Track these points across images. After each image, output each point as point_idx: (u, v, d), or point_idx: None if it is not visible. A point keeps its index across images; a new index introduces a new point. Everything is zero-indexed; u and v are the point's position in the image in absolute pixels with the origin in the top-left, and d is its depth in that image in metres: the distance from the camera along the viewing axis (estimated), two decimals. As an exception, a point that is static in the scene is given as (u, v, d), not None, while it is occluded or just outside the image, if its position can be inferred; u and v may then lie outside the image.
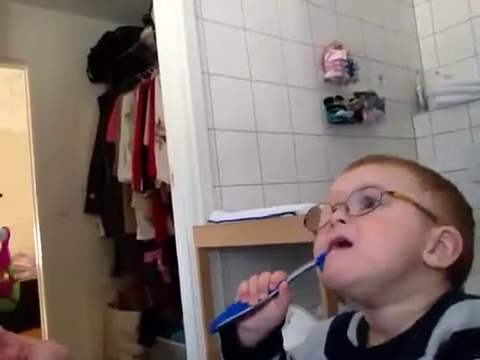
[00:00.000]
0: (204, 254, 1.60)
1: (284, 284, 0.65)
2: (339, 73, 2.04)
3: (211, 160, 1.67)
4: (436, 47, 2.64)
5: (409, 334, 0.56)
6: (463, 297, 0.55)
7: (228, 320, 0.65)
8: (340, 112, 2.05)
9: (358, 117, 2.11)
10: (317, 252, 0.64)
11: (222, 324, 0.66)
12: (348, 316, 0.70)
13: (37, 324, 3.14)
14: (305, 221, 0.69)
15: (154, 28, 2.05)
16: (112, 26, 3.27)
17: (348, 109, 2.08)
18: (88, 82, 3.39)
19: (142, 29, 2.88)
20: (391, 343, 0.58)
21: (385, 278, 0.58)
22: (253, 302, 0.65)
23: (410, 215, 0.60)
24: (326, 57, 2.05)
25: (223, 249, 1.64)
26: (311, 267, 0.64)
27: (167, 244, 2.59)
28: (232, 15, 1.82)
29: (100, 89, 3.40)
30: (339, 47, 2.07)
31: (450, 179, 0.67)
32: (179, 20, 1.69)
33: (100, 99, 3.35)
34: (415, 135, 2.57)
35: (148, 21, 2.71)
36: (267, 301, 0.65)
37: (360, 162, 0.69)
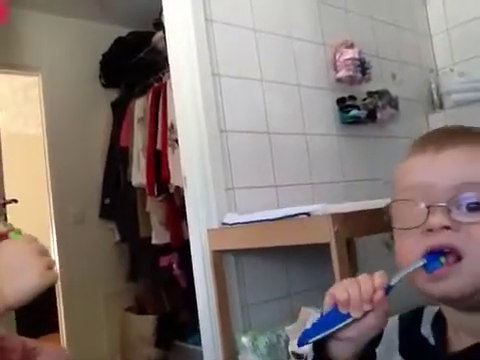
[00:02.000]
0: (218, 257, 1.59)
1: (380, 293, 0.56)
2: (351, 72, 2.02)
3: (224, 162, 1.67)
4: (450, 44, 2.60)
5: None
6: None
7: (329, 332, 0.57)
8: (353, 112, 2.03)
9: (372, 117, 2.09)
10: (405, 256, 0.58)
11: (321, 336, 0.57)
12: (416, 313, 0.66)
13: (55, 329, 3.17)
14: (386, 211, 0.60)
15: (165, 32, 2.05)
16: (123, 31, 3.29)
17: (361, 109, 2.06)
18: (101, 88, 3.41)
19: (153, 33, 2.89)
20: None
21: None
22: (357, 314, 0.56)
23: None
24: (338, 56, 2.03)
25: (237, 251, 1.63)
26: (415, 269, 0.56)
27: (182, 248, 2.59)
28: (242, 16, 1.82)
29: (113, 94, 3.42)
30: (351, 46, 2.05)
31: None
32: (189, 22, 1.69)
33: (113, 104, 3.37)
34: (430, 134, 2.53)
35: (158, 25, 2.72)
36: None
37: (448, 139, 0.58)
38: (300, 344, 0.59)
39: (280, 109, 1.86)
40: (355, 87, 2.11)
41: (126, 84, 3.30)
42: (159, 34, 2.76)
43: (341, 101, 2.04)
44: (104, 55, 3.33)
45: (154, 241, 2.86)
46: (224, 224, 1.61)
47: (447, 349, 0.59)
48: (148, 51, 2.97)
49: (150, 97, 2.87)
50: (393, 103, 2.18)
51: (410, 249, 0.56)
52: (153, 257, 2.91)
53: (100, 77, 3.39)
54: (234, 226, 1.56)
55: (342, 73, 2.02)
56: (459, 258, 0.53)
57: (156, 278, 3.00)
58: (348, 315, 0.56)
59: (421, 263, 0.55)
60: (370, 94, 2.10)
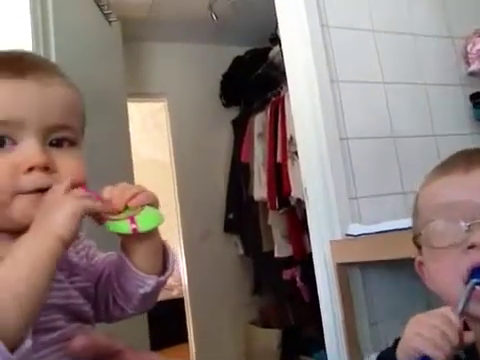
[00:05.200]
0: (343, 270, 1.52)
1: (471, 336, 0.54)
2: (486, 65, 1.82)
3: (345, 171, 1.60)
4: None
5: None
6: None
7: None
8: (490, 108, 1.82)
9: (512, 112, 1.86)
10: (446, 275, 0.57)
11: None
12: None
13: (185, 340, 3.30)
14: (416, 236, 0.63)
15: (281, 45, 2.06)
16: (241, 50, 3.39)
17: (499, 104, 1.84)
18: (222, 107, 3.54)
19: (270, 49, 2.93)
20: None
21: None
22: (442, 356, 0.52)
23: None
24: (469, 48, 1.85)
25: (363, 264, 1.54)
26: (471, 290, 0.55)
27: (305, 261, 2.54)
28: (359, 18, 1.75)
29: (233, 113, 3.53)
30: (485, 35, 1.86)
31: None
32: (304, 31, 1.68)
33: (234, 122, 3.47)
34: None
35: (275, 40, 2.74)
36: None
37: (477, 157, 0.59)
38: None
39: (405, 111, 1.74)
40: (491, 81, 1.90)
41: (246, 101, 3.38)
42: (276, 49, 2.78)
43: (475, 96, 1.85)
44: (224, 75, 3.46)
45: (277, 254, 2.85)
46: (348, 235, 1.53)
47: None
48: (265, 67, 3.02)
49: (269, 112, 2.89)
50: None
51: (452, 267, 0.55)
52: (276, 270, 2.89)
53: (221, 97, 3.52)
54: (359, 237, 1.48)
55: (476, 65, 1.83)
56: None
57: (279, 291, 2.98)
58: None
59: (475, 281, 0.54)
60: (509, 88, 1.88)
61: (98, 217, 0.51)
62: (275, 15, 1.86)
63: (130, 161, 2.41)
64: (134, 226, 0.51)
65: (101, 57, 2.15)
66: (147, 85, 3.42)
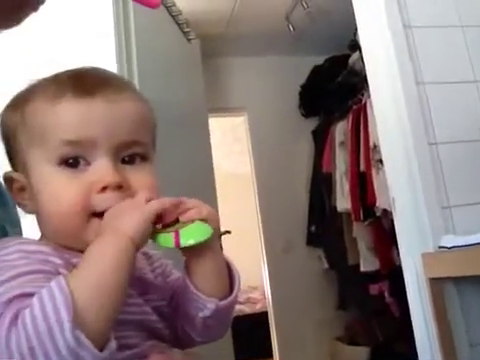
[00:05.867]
0: (436, 285, 1.41)
1: None
2: None
3: (436, 178, 1.49)
4: None
5: None
6: None
7: None
8: None
9: None
10: None
11: None
12: None
13: (269, 354, 3.26)
14: None
15: (361, 51, 1.99)
16: (319, 59, 3.34)
17: None
18: (301, 118, 3.51)
19: (349, 56, 2.85)
20: None
21: None
22: None
23: None
24: None
25: (459, 279, 1.41)
26: None
27: (393, 275, 2.41)
28: (444, 15, 1.64)
29: (313, 123, 3.48)
30: None
31: None
32: (386, 34, 1.60)
33: (314, 132, 3.42)
34: None
35: (354, 46, 2.67)
36: None
37: None
38: None
39: (502, 111, 1.60)
40: None
41: (325, 111, 3.31)
42: (355, 55, 2.71)
43: None
44: (302, 86, 3.43)
45: (363, 268, 2.74)
46: (441, 248, 1.42)
47: None
48: (345, 74, 2.95)
49: (350, 120, 2.81)
50: None
51: None
52: (362, 285, 2.78)
53: (300, 108, 3.49)
54: (453, 250, 1.37)
55: None
56: None
57: (366, 307, 2.86)
58: None
59: None
60: None
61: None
62: (353, 21, 1.81)
63: (212, 175, 2.44)
64: (177, 240, 0.50)
65: (182, 74, 2.21)
66: (227, 100, 3.48)
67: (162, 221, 0.50)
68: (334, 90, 3.10)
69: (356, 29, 2.26)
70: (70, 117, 0.50)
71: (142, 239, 0.47)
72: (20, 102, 0.53)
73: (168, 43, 2.10)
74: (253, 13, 3.02)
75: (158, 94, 1.77)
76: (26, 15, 0.60)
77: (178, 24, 2.22)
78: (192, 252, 0.52)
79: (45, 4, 0.61)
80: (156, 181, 0.55)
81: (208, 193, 2.24)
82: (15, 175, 0.54)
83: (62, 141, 0.50)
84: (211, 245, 0.53)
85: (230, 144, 4.79)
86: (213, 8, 2.98)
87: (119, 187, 0.50)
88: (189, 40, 2.40)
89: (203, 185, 2.18)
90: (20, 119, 0.52)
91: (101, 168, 0.50)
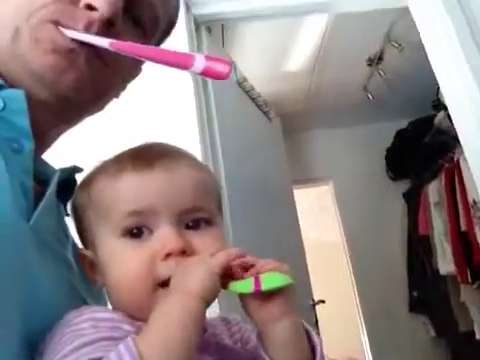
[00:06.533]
0: None
1: None
2: None
3: None
4: None
5: None
6: None
7: None
8: None
9: None
10: None
11: None
12: None
13: None
14: None
15: (446, 109, 2.00)
16: (403, 123, 3.35)
17: None
18: (390, 182, 3.48)
19: (434, 116, 2.85)
20: None
21: None
22: None
23: None
24: None
25: None
26: None
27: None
28: None
29: (402, 185, 3.44)
30: None
31: None
32: (473, 92, 1.62)
33: (405, 195, 3.37)
34: None
35: (438, 106, 2.68)
36: None
37: None
38: None
39: None
40: None
41: (415, 172, 3.27)
42: (441, 114, 2.71)
43: None
44: (388, 150, 3.43)
45: (479, 336, 2.54)
46: None
47: None
48: (432, 134, 2.93)
49: (443, 179, 2.75)
50: None
51: None
52: (479, 353, 2.56)
53: (387, 172, 3.47)
54: None
55: None
56: None
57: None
58: None
59: None
60: None
61: (222, 281, 0.48)
62: (431, 81, 1.84)
63: (301, 245, 2.46)
64: (257, 284, 0.47)
65: (264, 151, 2.28)
66: (311, 171, 3.56)
67: (231, 275, 0.48)
68: (422, 151, 3.07)
69: (438, 88, 2.29)
70: (130, 189, 0.51)
71: (211, 294, 0.45)
72: (86, 182, 0.55)
73: (249, 122, 2.19)
74: (330, 87, 3.13)
75: (242, 169, 1.85)
76: (108, 102, 0.63)
77: (258, 105, 2.35)
78: (267, 317, 0.48)
79: (126, 90, 0.66)
80: (223, 245, 0.53)
81: (298, 263, 2.23)
82: (85, 252, 0.55)
83: (124, 213, 0.50)
84: (287, 310, 0.48)
85: (316, 213, 4.80)
86: (290, 87, 3.14)
87: (183, 252, 0.49)
88: (270, 119, 2.53)
89: (292, 255, 2.17)
90: (87, 198, 0.54)
91: (164, 235, 0.50)
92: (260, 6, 1.71)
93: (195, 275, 0.46)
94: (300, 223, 2.56)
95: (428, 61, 1.80)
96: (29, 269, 0.47)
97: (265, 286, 0.47)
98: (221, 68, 0.46)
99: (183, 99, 1.54)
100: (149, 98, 1.51)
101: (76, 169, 0.62)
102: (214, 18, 1.73)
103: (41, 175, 0.56)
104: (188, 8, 1.62)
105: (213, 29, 1.97)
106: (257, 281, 0.47)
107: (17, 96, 0.51)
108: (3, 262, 0.44)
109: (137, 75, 0.68)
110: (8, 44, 0.53)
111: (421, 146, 3.07)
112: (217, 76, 0.47)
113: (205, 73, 0.47)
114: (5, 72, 0.53)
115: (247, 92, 2.21)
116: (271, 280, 0.47)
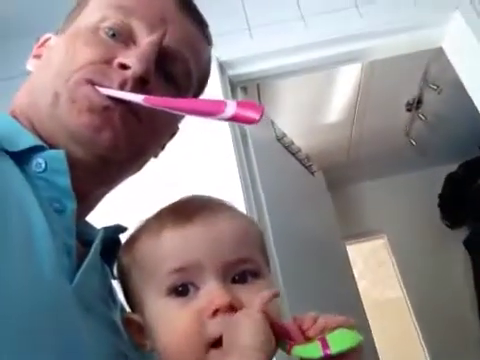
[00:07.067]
0: None
1: None
2: None
3: None
4: None
5: None
6: None
7: None
8: None
9: None
10: None
11: None
12: None
13: None
14: None
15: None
16: (450, 167, 3.24)
17: None
18: (446, 230, 3.32)
19: (483, 156, 2.73)
20: None
21: None
22: None
23: None
24: None
25: None
26: None
27: None
28: None
29: (461, 232, 3.26)
30: None
31: None
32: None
33: (466, 242, 3.18)
34: None
35: (487, 146, 2.57)
36: None
37: None
38: None
39: None
40: None
41: (473, 217, 3.09)
42: (491, 154, 2.59)
43: None
44: (440, 196, 3.29)
45: None
46: None
47: None
48: (485, 176, 2.79)
49: (505, 220, 2.58)
50: None
51: None
52: None
53: (443, 219, 3.31)
54: None
55: None
56: None
57: None
58: None
59: None
60: None
61: (285, 346, 0.45)
62: (477, 120, 1.76)
63: (360, 304, 2.31)
64: (325, 346, 0.43)
65: (310, 206, 2.22)
66: (362, 224, 3.44)
67: (290, 338, 0.45)
68: (476, 194, 2.92)
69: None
70: (172, 246, 0.50)
71: (267, 345, 0.43)
72: (130, 242, 0.55)
73: (292, 177, 2.15)
74: (371, 135, 3.07)
75: (289, 227, 1.78)
76: (146, 161, 0.63)
77: (299, 160, 2.32)
78: None
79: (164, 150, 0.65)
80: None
81: (359, 323, 2.08)
82: (131, 316, 0.53)
83: (168, 270, 0.49)
84: None
85: (374, 269, 4.59)
86: (331, 139, 3.10)
87: (231, 308, 0.47)
88: (312, 173, 2.48)
89: (352, 315, 2.03)
90: (131, 259, 0.53)
91: (210, 291, 0.48)
92: (293, 62, 1.71)
93: (246, 329, 0.43)
94: (359, 282, 2.43)
95: (469, 100, 1.74)
96: (69, 329, 0.45)
97: (334, 349, 0.42)
98: (250, 113, 0.45)
99: (224, 159, 1.53)
100: (189, 159, 1.50)
101: (120, 228, 0.61)
102: (249, 78, 1.74)
103: (85, 236, 0.56)
104: (223, 69, 1.63)
105: (249, 88, 1.99)
106: (324, 343, 0.43)
107: (58, 156, 0.51)
108: (40, 318, 0.42)
109: (174, 134, 0.68)
110: (47, 108, 0.54)
111: (475, 189, 2.92)
112: (247, 120, 0.46)
113: (235, 118, 0.46)
114: (45, 134, 0.54)
115: (287, 147, 2.19)
116: (340, 340, 0.43)
